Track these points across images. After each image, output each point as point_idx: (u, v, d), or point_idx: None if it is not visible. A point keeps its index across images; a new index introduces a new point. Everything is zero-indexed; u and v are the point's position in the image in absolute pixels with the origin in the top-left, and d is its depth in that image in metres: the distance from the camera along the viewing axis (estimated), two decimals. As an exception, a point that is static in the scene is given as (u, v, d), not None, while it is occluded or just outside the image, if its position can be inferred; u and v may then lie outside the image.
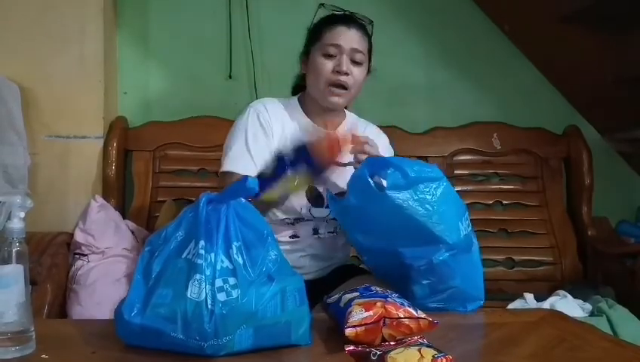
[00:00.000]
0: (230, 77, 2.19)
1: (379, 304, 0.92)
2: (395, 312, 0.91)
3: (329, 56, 1.37)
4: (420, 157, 2.13)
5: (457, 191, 2.10)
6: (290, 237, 1.40)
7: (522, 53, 2.21)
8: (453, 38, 2.25)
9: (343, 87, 1.37)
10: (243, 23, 2.18)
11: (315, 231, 1.43)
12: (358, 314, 0.91)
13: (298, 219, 1.40)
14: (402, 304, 0.94)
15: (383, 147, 1.45)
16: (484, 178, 2.21)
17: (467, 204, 2.08)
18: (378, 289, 1.01)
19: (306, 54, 1.45)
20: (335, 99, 1.38)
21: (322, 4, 1.45)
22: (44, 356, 0.87)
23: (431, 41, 2.26)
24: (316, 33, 1.43)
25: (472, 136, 2.20)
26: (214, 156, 2.01)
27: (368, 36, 1.44)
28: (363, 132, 1.47)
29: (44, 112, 1.94)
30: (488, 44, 2.24)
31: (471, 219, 2.05)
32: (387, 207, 1.12)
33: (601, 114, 2.19)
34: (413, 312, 0.92)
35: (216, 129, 2.05)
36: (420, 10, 2.25)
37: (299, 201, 1.37)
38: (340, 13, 1.43)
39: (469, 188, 2.18)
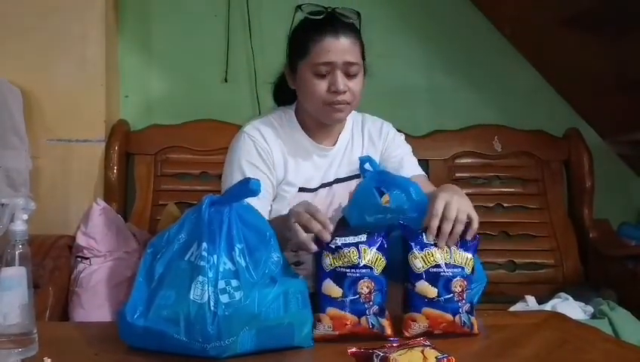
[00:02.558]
0: (226, 80, 2.19)
1: (444, 324, 0.99)
2: (451, 331, 0.99)
3: (321, 75, 1.24)
4: (421, 161, 2.12)
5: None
6: (293, 264, 1.31)
7: (523, 56, 2.21)
8: (454, 41, 2.26)
9: (344, 103, 1.26)
10: (244, 26, 2.18)
11: None
12: (420, 327, 0.99)
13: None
14: (465, 324, 1.00)
15: (395, 143, 1.41)
16: (485, 181, 2.21)
17: (468, 207, 2.13)
18: (457, 288, 1.01)
19: (291, 67, 1.32)
20: (338, 115, 1.28)
21: (299, 7, 1.30)
22: (46, 358, 0.87)
23: (432, 44, 2.26)
24: (301, 46, 1.27)
25: (473, 138, 2.20)
26: (216, 160, 2.01)
27: (359, 36, 1.30)
28: (364, 130, 1.41)
29: (45, 116, 1.94)
30: (489, 47, 2.24)
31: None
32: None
33: (601, 116, 2.19)
34: (469, 331, 0.99)
35: (218, 132, 2.06)
36: (421, 13, 2.25)
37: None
38: (320, 16, 1.27)
39: (470, 191, 2.17)
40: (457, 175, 2.17)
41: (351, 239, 1.00)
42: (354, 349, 0.83)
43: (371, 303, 0.97)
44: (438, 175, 2.14)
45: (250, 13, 2.17)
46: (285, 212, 1.26)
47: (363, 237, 1.00)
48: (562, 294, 1.76)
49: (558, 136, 2.22)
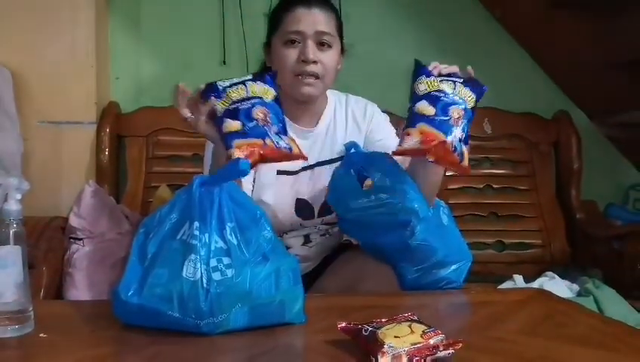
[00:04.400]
0: (224, 63, 2.19)
1: (435, 142, 1.01)
2: (442, 156, 1.03)
3: (291, 43, 1.24)
4: (412, 142, 2.14)
5: (448, 175, 2.18)
6: None
7: (513, 39, 2.22)
8: (445, 23, 2.26)
9: (314, 75, 1.25)
10: (235, 8, 2.17)
11: (306, 240, 1.38)
12: (412, 141, 1.02)
13: (287, 231, 1.36)
14: (456, 149, 1.01)
15: (379, 126, 1.39)
16: (475, 162, 2.22)
17: (458, 188, 2.17)
18: (455, 114, 1.03)
19: (268, 44, 1.33)
20: (307, 89, 1.25)
21: None
22: (42, 335, 0.89)
23: (423, 26, 2.27)
24: (275, 20, 1.29)
25: (464, 121, 2.21)
26: (207, 141, 2.02)
27: (335, 12, 1.30)
28: (348, 111, 1.39)
29: (36, 98, 1.94)
30: (480, 29, 2.25)
31: (462, 203, 2.13)
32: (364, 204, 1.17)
33: (590, 99, 2.21)
34: (459, 161, 1.04)
35: None
36: (412, -4, 2.25)
37: (288, 217, 1.32)
38: None
39: (460, 172, 2.20)
40: (447, 157, 2.19)
41: (235, 80, 1.06)
42: (343, 324, 0.85)
43: (270, 124, 1.02)
44: (428, 157, 2.16)
45: (242, -6, 2.17)
46: (266, 197, 1.28)
47: (249, 76, 1.06)
48: (549, 273, 1.79)
49: (547, 119, 2.24)
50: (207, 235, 0.90)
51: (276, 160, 1.04)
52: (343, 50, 1.32)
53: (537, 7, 2.00)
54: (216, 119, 1.04)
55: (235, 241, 0.91)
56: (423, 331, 0.80)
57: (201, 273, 0.88)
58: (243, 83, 1.04)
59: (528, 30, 2.16)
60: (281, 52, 1.26)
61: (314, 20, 1.24)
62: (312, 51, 1.23)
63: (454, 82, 1.06)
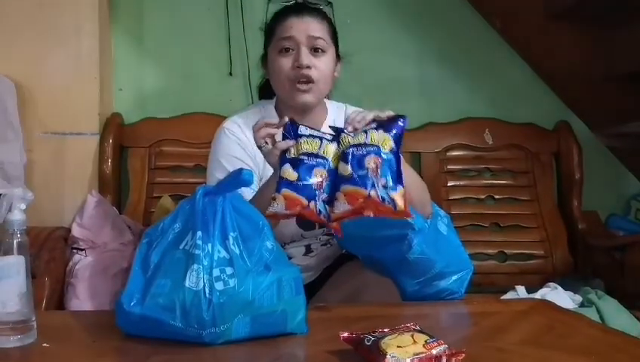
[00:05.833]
0: (230, 74, 2.20)
1: (361, 200, 0.98)
2: (374, 209, 0.98)
3: (285, 51, 1.26)
4: (413, 153, 2.16)
5: (450, 186, 2.19)
6: None
7: (514, 50, 2.23)
8: (445, 34, 2.27)
9: (308, 80, 1.26)
10: (237, 19, 2.19)
11: (308, 250, 1.38)
12: (341, 206, 0.99)
13: (289, 242, 1.36)
14: (384, 199, 0.98)
15: None
16: (476, 173, 2.23)
17: (459, 199, 2.17)
18: (371, 164, 1.01)
19: (265, 57, 1.35)
20: (303, 96, 1.26)
21: None
22: (45, 345, 0.89)
23: (423, 37, 2.28)
24: (270, 31, 1.32)
25: (465, 131, 2.22)
26: (209, 152, 2.03)
27: (327, 20, 1.32)
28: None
29: (39, 109, 1.95)
30: (480, 40, 2.26)
31: (463, 214, 2.13)
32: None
33: (590, 109, 2.22)
34: (393, 209, 0.99)
35: (212, 125, 2.02)
36: (412, 6, 2.26)
37: (289, 229, 1.32)
38: (290, 3, 1.32)
39: (462, 183, 2.20)
40: (449, 167, 2.20)
41: (317, 133, 1.06)
42: (346, 334, 0.85)
43: (322, 191, 1.02)
44: (429, 167, 2.17)
45: (243, 5, 2.18)
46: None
47: (328, 136, 1.06)
48: (551, 284, 1.79)
49: (548, 129, 2.25)
50: (210, 245, 0.91)
51: (312, 221, 1.07)
52: (338, 57, 1.34)
53: (537, 18, 2.01)
54: (282, 156, 1.06)
55: (237, 251, 0.92)
56: (425, 341, 0.80)
57: (204, 283, 0.88)
58: (320, 139, 1.05)
59: (528, 41, 2.17)
60: (276, 61, 1.28)
61: (306, 27, 1.26)
62: (305, 56, 1.25)
63: (366, 132, 1.04)
